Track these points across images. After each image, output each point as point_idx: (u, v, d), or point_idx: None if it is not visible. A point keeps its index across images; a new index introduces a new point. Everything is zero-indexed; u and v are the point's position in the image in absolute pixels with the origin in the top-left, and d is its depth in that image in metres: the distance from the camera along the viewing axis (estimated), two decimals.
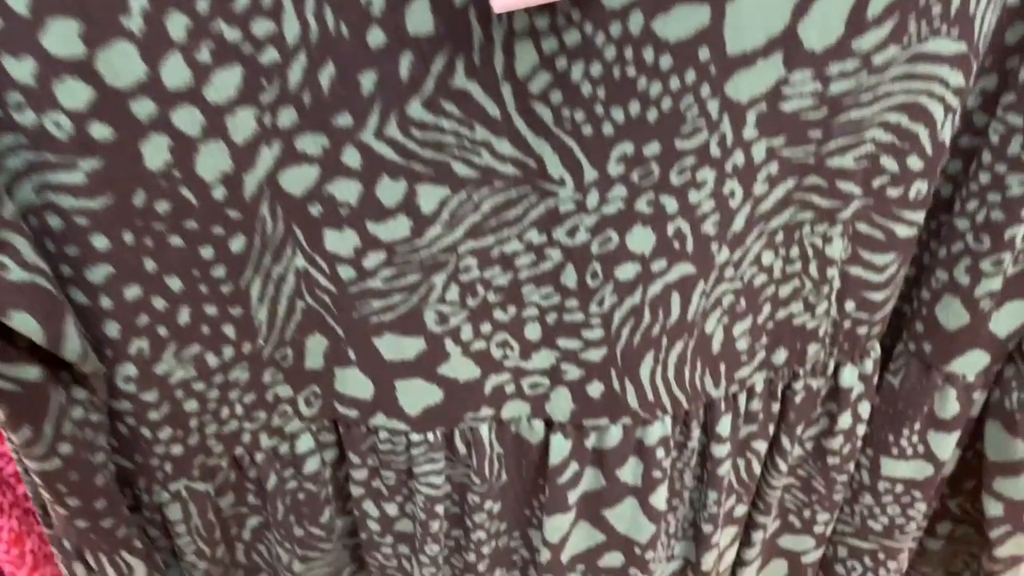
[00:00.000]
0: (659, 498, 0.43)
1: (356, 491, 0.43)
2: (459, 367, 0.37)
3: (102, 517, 0.34)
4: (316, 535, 0.45)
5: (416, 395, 0.38)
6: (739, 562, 0.52)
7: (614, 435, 0.40)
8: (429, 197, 0.31)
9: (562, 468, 0.41)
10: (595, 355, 0.37)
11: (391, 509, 0.44)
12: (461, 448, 0.41)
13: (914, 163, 0.36)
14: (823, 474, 0.48)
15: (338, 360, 0.37)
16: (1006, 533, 0.47)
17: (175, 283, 0.31)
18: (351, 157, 0.30)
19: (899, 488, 0.47)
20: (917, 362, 0.43)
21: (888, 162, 0.36)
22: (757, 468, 0.46)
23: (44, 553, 0.94)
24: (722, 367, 0.40)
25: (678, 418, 0.41)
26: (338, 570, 0.49)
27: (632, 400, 0.39)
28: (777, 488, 0.47)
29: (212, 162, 0.29)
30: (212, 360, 0.34)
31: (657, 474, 0.42)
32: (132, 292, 0.31)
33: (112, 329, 0.31)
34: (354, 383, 0.38)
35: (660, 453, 0.41)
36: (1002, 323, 0.41)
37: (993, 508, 0.46)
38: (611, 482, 0.42)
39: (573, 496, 0.43)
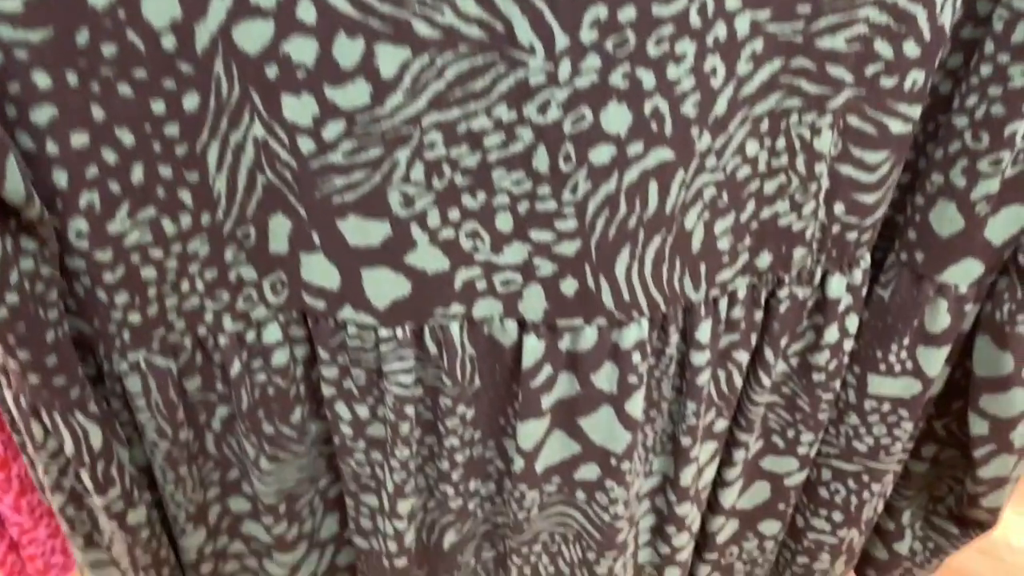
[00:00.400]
0: (635, 406, 0.41)
1: (327, 391, 0.42)
2: (427, 257, 0.36)
3: (54, 374, 0.33)
4: (286, 435, 0.44)
5: (383, 286, 0.37)
6: (721, 483, 0.51)
7: (588, 337, 0.39)
8: (389, 59, 0.29)
9: (535, 371, 0.40)
10: (569, 248, 0.36)
11: (362, 411, 0.43)
12: (431, 347, 0.40)
13: (910, 49, 0.34)
14: (808, 392, 0.46)
15: (303, 244, 0.36)
16: (990, 452, 0.45)
17: (126, 136, 0.30)
18: (306, 11, 0.28)
19: (885, 407, 0.46)
20: (908, 273, 0.42)
21: (882, 47, 0.34)
22: (738, 381, 0.44)
23: (31, 480, 0.94)
24: (702, 268, 0.38)
25: (655, 322, 0.40)
26: (313, 477, 0.48)
27: (607, 299, 0.37)
28: (760, 405, 0.46)
29: (160, 7, 0.27)
30: (169, 227, 0.33)
31: (633, 380, 0.40)
32: (79, 139, 0.30)
33: (61, 178, 0.30)
34: (320, 271, 0.37)
35: (636, 358, 0.40)
36: (997, 229, 0.39)
37: (978, 426, 0.45)
38: (586, 388, 0.41)
39: (547, 401, 0.42)
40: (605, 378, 0.41)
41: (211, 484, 0.46)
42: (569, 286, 0.37)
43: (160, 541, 0.44)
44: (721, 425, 0.46)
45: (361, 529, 0.49)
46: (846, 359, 0.45)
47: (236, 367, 0.40)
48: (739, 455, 0.49)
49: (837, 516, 0.52)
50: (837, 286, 0.42)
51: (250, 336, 0.39)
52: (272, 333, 0.39)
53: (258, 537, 0.50)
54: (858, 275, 0.42)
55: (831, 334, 0.44)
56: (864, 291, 0.43)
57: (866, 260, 0.42)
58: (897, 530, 0.55)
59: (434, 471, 0.46)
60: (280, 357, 0.41)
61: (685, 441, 0.44)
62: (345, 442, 0.44)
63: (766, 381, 0.45)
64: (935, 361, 0.43)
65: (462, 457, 0.45)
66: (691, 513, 0.49)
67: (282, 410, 0.43)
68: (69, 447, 0.36)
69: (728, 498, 0.51)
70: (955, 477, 0.53)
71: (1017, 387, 0.43)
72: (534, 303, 0.38)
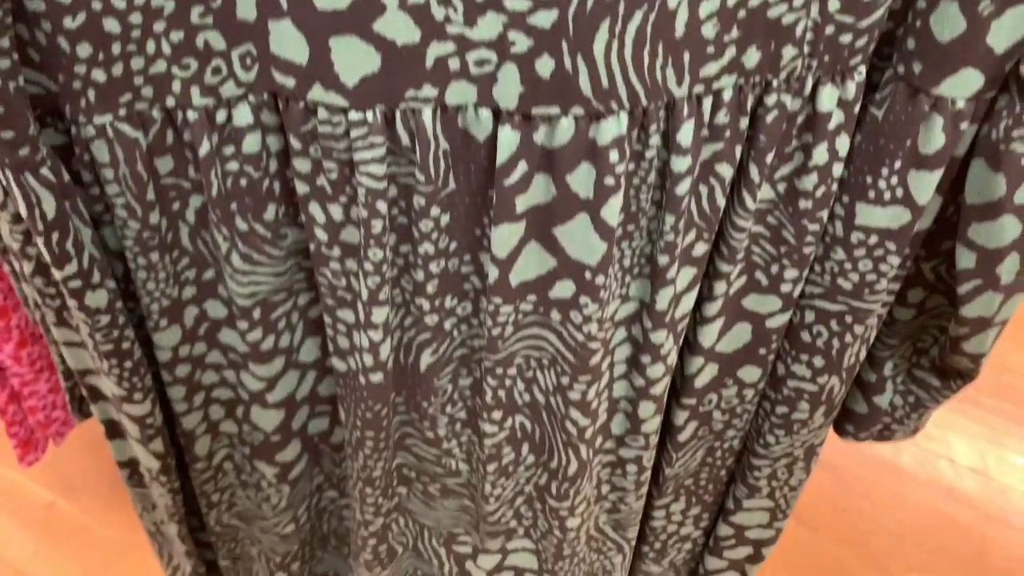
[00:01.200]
0: (611, 212, 0.40)
1: (301, 188, 0.41)
2: (396, 25, 0.34)
3: (2, 127, 0.33)
4: (260, 233, 0.44)
5: (353, 59, 0.35)
6: (700, 319, 0.50)
7: (565, 129, 0.38)
8: None
9: (510, 167, 0.39)
10: (545, 20, 0.34)
11: (336, 212, 0.42)
12: (404, 137, 0.39)
13: None
14: (794, 221, 0.45)
15: (270, 10, 0.34)
16: (975, 288, 0.44)
17: None
18: None
19: (873, 239, 0.45)
20: (904, 87, 0.40)
21: None
22: (720, 200, 0.43)
23: (32, 332, 0.96)
24: (686, 58, 0.37)
25: (635, 118, 0.38)
26: (290, 289, 0.48)
27: (584, 83, 0.36)
28: (744, 232, 0.45)
29: None
30: None
31: (610, 182, 0.39)
32: None
33: None
34: (288, 42, 0.35)
35: (614, 156, 0.38)
36: (1001, 35, 0.37)
37: (965, 259, 0.43)
38: (561, 191, 0.40)
39: (522, 204, 0.41)
40: (581, 180, 0.39)
41: (187, 283, 0.46)
42: (545, 66, 0.36)
43: (123, 333, 0.44)
44: (701, 249, 0.45)
45: (339, 349, 0.49)
46: (835, 186, 0.44)
47: (205, 147, 0.39)
48: (720, 288, 0.48)
49: (818, 361, 0.51)
50: (828, 98, 0.40)
51: (220, 116, 0.38)
52: (243, 115, 0.39)
53: (235, 347, 0.50)
54: (851, 89, 0.40)
55: (820, 155, 0.42)
56: (857, 109, 0.41)
57: (861, 73, 0.40)
58: (878, 382, 0.54)
59: (409, 283, 0.45)
60: (251, 143, 0.40)
61: (662, 260, 0.44)
62: (320, 249, 0.44)
63: (750, 203, 0.43)
64: (926, 187, 0.42)
65: (437, 267, 0.44)
66: (667, 343, 0.48)
67: (255, 205, 0.43)
68: (22, 209, 0.36)
69: (707, 337, 0.51)
70: (940, 327, 0.51)
71: (1007, 214, 0.41)
72: (509, 87, 0.37)
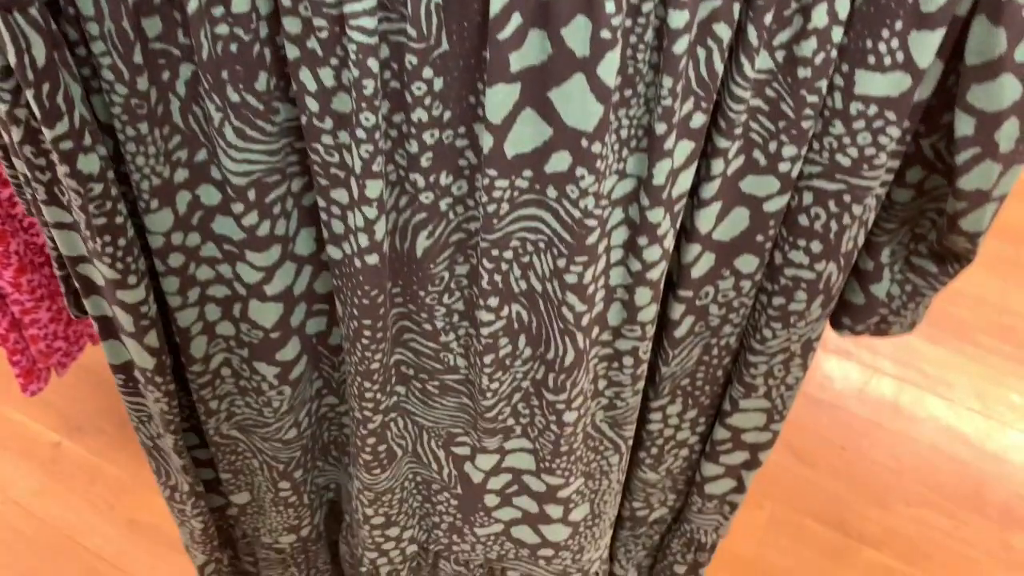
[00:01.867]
0: (608, 69, 0.40)
1: (291, 53, 0.41)
2: None
3: None
4: (252, 106, 0.43)
5: None
6: (699, 203, 0.49)
7: None
8: None
9: (503, 19, 0.38)
10: None
11: (327, 77, 0.41)
12: None
13: None
14: (793, 92, 0.44)
15: None
16: (973, 158, 0.43)
17: None
18: None
19: (872, 109, 0.44)
20: None
21: None
22: (718, 64, 0.42)
23: (31, 260, 0.96)
24: None
25: None
26: (283, 172, 0.48)
27: None
28: (742, 103, 0.44)
29: None
30: None
31: (606, 35, 0.38)
32: None
33: None
34: None
35: (610, 7, 0.38)
36: None
37: (964, 125, 0.43)
38: (557, 48, 0.39)
39: (516, 62, 0.40)
40: (577, 35, 0.39)
41: (178, 164, 0.45)
42: None
43: (115, 207, 0.44)
44: (699, 120, 0.44)
45: (333, 234, 0.48)
46: (834, 53, 0.43)
47: (194, 4, 0.38)
48: (718, 167, 0.47)
49: (816, 246, 0.51)
50: None
51: None
52: None
53: (230, 236, 0.49)
54: None
55: (819, 17, 0.41)
56: None
57: None
58: (876, 270, 0.54)
59: (404, 157, 0.45)
60: (241, 2, 0.39)
61: (660, 128, 0.43)
62: (312, 121, 0.43)
63: (748, 70, 0.43)
64: (927, 48, 0.41)
65: (431, 138, 0.44)
66: (664, 223, 0.48)
67: (246, 74, 0.42)
68: (11, 55, 0.35)
69: (705, 222, 0.50)
70: (938, 210, 0.51)
71: (1007, 73, 0.40)
72: None
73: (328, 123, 0.43)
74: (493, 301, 0.51)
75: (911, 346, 1.45)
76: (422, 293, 0.52)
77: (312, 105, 0.42)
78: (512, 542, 0.70)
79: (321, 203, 0.47)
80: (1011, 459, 1.35)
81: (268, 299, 0.52)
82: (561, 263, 0.48)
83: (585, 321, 0.51)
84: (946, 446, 1.36)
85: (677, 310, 0.55)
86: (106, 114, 0.42)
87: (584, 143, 0.42)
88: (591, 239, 0.47)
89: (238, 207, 0.46)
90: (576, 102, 0.41)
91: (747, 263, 0.53)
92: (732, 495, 0.70)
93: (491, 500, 0.66)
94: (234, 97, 0.41)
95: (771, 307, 0.55)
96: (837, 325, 0.59)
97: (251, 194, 0.46)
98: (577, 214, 0.45)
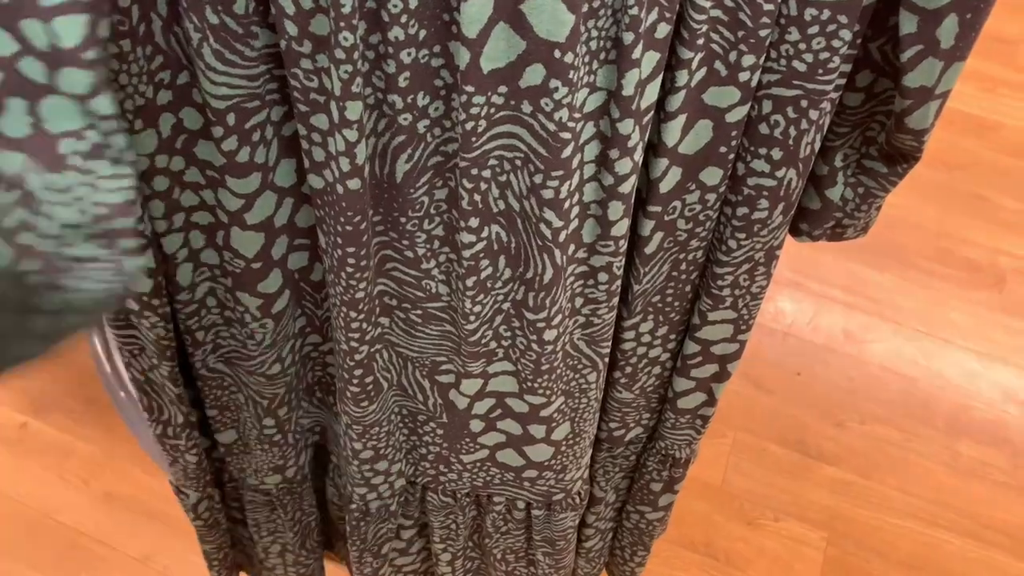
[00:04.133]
0: None
1: None
2: None
3: None
4: (231, 29, 0.43)
5: None
6: (664, 116, 0.51)
7: None
8: None
9: None
10: None
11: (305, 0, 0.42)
12: None
13: None
14: (750, 0, 0.46)
15: None
16: (917, 54, 0.46)
17: None
18: None
19: (825, 14, 0.46)
20: None
21: None
22: None
23: None
24: None
25: None
26: (263, 99, 0.48)
27: None
28: (703, 13, 0.46)
29: None
30: None
31: None
32: None
33: None
34: None
35: None
36: None
37: (908, 23, 0.45)
38: None
39: None
40: None
41: (161, 85, 0.45)
42: None
43: None
44: (664, 30, 0.46)
45: (315, 162, 0.49)
46: None
47: None
48: (682, 78, 0.49)
49: (776, 153, 0.53)
50: None
51: None
52: None
53: (212, 161, 0.50)
54: None
55: None
56: None
57: None
58: (830, 174, 0.57)
59: (381, 79, 0.46)
60: None
61: (627, 37, 0.44)
62: (291, 45, 0.44)
63: None
64: None
65: (407, 57, 0.44)
66: (634, 135, 0.49)
67: None
68: None
69: (671, 135, 0.52)
70: (887, 113, 0.54)
71: None
72: None
73: (307, 46, 0.44)
74: (473, 222, 0.52)
75: (857, 274, 1.51)
76: (403, 219, 0.53)
77: (291, 28, 0.43)
78: (497, 467, 0.72)
79: (302, 131, 0.47)
80: (953, 374, 1.42)
81: (248, 227, 0.53)
82: (538, 179, 0.50)
83: (562, 237, 0.53)
84: (894, 366, 1.43)
85: (647, 226, 0.57)
86: None
87: (557, 54, 0.44)
88: (566, 152, 0.48)
89: (218, 131, 0.47)
90: (547, 13, 0.42)
91: (712, 175, 0.56)
92: (703, 408, 0.73)
93: (476, 425, 0.68)
94: (213, 18, 0.41)
95: (735, 218, 0.58)
96: (795, 231, 0.61)
97: (231, 119, 0.46)
98: (552, 127, 0.47)
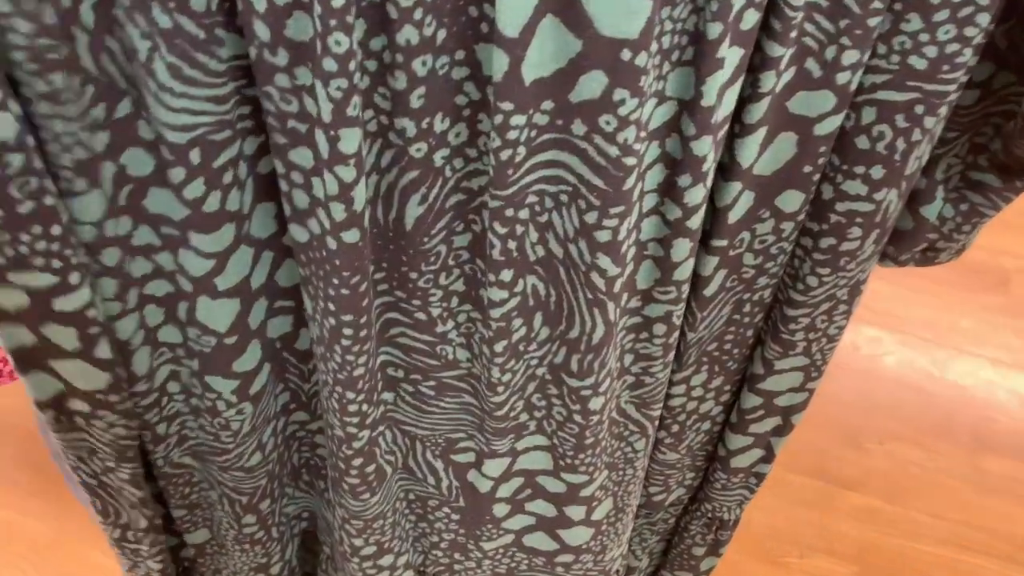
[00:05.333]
0: None
1: None
2: None
3: None
4: (189, 33, 0.31)
5: None
6: (741, 131, 0.40)
7: None
8: None
9: None
10: None
11: None
12: None
13: None
14: None
15: None
16: None
17: None
18: None
19: None
20: None
21: None
22: None
23: None
24: None
25: None
26: (233, 126, 0.36)
27: None
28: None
29: None
30: None
31: None
32: None
33: None
34: None
35: None
36: None
37: None
38: None
39: None
40: None
41: (96, 126, 0.33)
42: None
43: (43, 184, 0.31)
44: (751, 19, 0.35)
45: (297, 209, 0.37)
46: None
47: None
48: (767, 82, 0.38)
49: (876, 172, 0.42)
50: None
51: None
52: None
53: (168, 215, 0.37)
54: None
55: None
56: None
57: None
58: (928, 188, 0.46)
59: (387, 97, 0.34)
60: None
61: (712, 30, 0.33)
62: (263, 55, 0.32)
63: None
64: None
65: (422, 67, 0.33)
66: (709, 156, 0.38)
67: None
68: None
69: (746, 154, 0.41)
70: (1005, 113, 0.43)
71: None
72: None
73: (282, 55, 0.31)
74: (506, 275, 0.40)
75: None
76: (413, 275, 0.41)
77: (261, 32, 0.31)
78: (525, 552, 0.60)
79: (280, 168, 0.35)
80: (969, 384, 1.34)
81: (220, 295, 0.40)
82: (590, 218, 0.38)
83: (617, 286, 0.41)
84: (909, 379, 1.34)
85: (708, 264, 0.46)
86: (7, 63, 0.29)
87: (625, 55, 0.32)
88: (629, 182, 0.37)
89: (178, 173, 0.34)
90: (614, 0, 0.31)
91: (790, 200, 0.44)
92: (759, 465, 0.62)
93: (500, 510, 0.56)
94: (164, 20, 0.29)
95: (817, 250, 0.46)
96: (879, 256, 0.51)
97: (194, 156, 0.34)
98: (613, 151, 0.35)
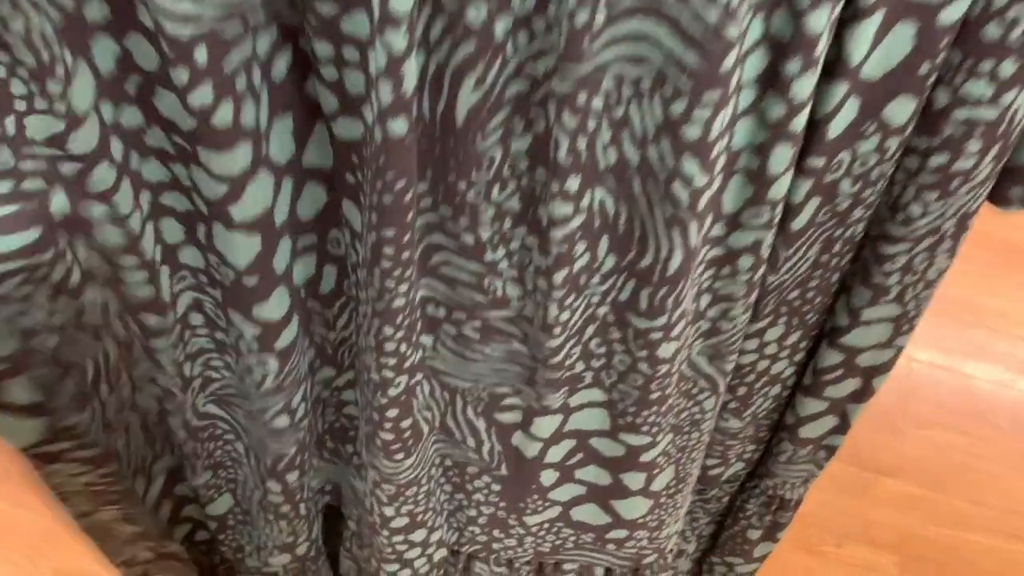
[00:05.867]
0: None
1: None
2: None
3: None
4: None
5: None
6: (853, 15, 0.33)
7: None
8: None
9: None
10: None
11: None
12: None
13: None
14: None
15: None
16: None
17: None
18: None
19: None
20: None
21: None
22: None
23: None
24: None
25: None
26: (245, 19, 0.29)
27: None
28: None
29: None
30: None
31: None
32: None
33: None
34: None
35: None
36: None
37: None
38: None
39: None
40: None
41: None
42: None
43: None
44: None
45: (348, 97, 0.30)
46: None
47: None
48: None
49: (1007, 68, 0.35)
50: None
51: None
52: None
53: (176, 122, 0.30)
54: None
55: None
56: None
57: None
58: None
59: None
60: None
61: None
62: None
63: None
64: None
65: None
66: (824, 34, 0.31)
67: None
68: None
69: (858, 47, 0.33)
70: None
71: None
72: None
73: None
74: (573, 183, 0.33)
75: None
76: (462, 185, 0.34)
77: None
78: (572, 527, 0.53)
79: (325, 51, 0.28)
80: (1009, 366, 1.26)
81: (236, 227, 0.33)
82: (677, 108, 0.31)
83: (703, 202, 0.34)
84: (943, 361, 1.26)
85: (801, 189, 0.39)
86: None
87: None
88: (728, 61, 0.30)
89: (181, 75, 0.27)
90: None
91: (900, 110, 0.37)
92: (831, 437, 0.55)
93: (548, 477, 0.49)
94: None
95: (925, 171, 0.39)
96: (1000, 198, 0.43)
97: (200, 56, 0.27)
98: (713, 16, 0.28)
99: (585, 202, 0.34)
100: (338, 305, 0.42)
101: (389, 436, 0.43)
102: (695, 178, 0.33)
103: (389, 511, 0.48)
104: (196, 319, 0.38)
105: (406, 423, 0.43)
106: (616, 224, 0.36)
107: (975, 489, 1.13)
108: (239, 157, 0.31)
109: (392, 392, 0.40)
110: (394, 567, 0.53)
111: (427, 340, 0.41)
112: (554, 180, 0.33)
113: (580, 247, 0.36)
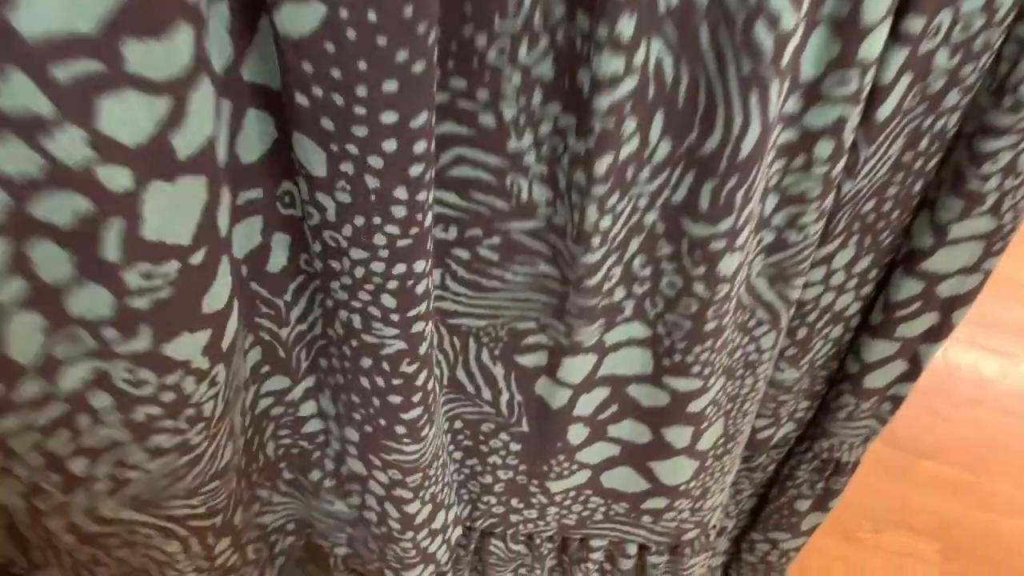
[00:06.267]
0: None
1: None
2: None
3: None
4: None
5: None
6: None
7: None
8: None
9: None
10: None
11: None
12: None
13: None
14: None
15: None
16: None
17: None
18: None
19: None
20: None
21: None
22: None
23: None
24: None
25: None
26: None
27: None
28: None
29: None
30: None
31: None
32: None
33: None
34: None
35: None
36: None
37: None
38: None
39: None
40: None
41: None
42: None
43: None
44: None
45: None
46: None
47: None
48: None
49: None
50: None
51: None
52: None
53: None
54: None
55: None
56: None
57: None
58: None
59: None
60: None
61: None
62: None
63: None
64: None
65: None
66: None
67: None
68: None
69: None
70: None
71: None
72: None
73: None
74: (625, 25, 0.26)
75: None
76: (481, 40, 0.27)
77: None
78: (602, 495, 0.45)
79: None
80: None
81: (181, 169, 0.25)
82: None
83: (788, 52, 0.27)
84: (985, 339, 1.18)
85: (892, 61, 0.31)
86: None
87: None
88: None
89: None
90: None
91: None
92: (898, 385, 0.47)
93: (577, 433, 0.41)
94: None
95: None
96: None
97: None
98: None
99: (639, 57, 0.27)
100: (288, 290, 0.33)
101: (416, 412, 0.35)
102: (783, 16, 0.25)
103: (413, 507, 0.40)
104: (99, 400, 0.28)
105: (422, 376, 0.34)
106: (675, 93, 0.29)
107: (1019, 473, 1.05)
108: (180, 48, 0.23)
109: (408, 368, 0.32)
110: (418, 569, 0.45)
111: (435, 275, 0.34)
112: (602, 22, 0.25)
113: (629, 125, 0.29)
